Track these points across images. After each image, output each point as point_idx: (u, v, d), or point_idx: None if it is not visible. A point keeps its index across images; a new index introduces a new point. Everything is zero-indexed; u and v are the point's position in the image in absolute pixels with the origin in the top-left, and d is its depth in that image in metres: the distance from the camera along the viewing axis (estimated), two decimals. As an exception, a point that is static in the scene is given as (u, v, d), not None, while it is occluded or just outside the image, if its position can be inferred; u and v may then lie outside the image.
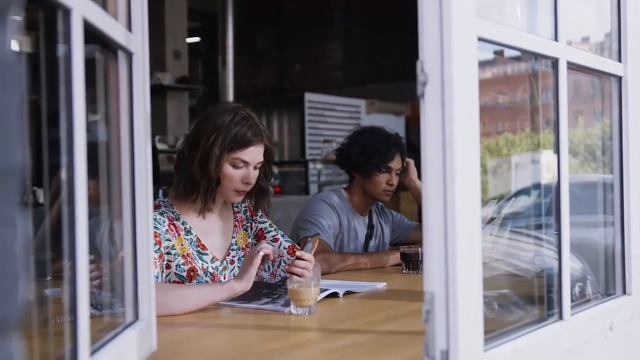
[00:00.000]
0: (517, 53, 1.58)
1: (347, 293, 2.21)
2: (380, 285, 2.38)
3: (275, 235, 2.41)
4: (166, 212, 2.21)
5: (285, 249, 2.37)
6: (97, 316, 1.34)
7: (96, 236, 1.30)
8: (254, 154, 2.22)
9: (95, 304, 1.31)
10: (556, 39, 1.52)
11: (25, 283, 0.57)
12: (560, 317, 1.52)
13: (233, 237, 2.36)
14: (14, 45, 0.57)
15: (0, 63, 0.55)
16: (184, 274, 2.17)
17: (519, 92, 2.02)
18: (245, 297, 2.04)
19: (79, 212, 1.01)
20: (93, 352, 1.09)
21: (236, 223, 2.39)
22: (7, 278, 0.54)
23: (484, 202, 1.29)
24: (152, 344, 1.42)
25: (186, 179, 2.21)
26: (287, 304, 1.93)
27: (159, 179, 5.42)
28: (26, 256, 0.57)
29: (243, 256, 2.35)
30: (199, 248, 2.24)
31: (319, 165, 7.60)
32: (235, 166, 2.20)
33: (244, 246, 2.38)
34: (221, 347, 1.65)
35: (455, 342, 1.16)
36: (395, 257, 2.85)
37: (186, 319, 1.90)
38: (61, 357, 1.01)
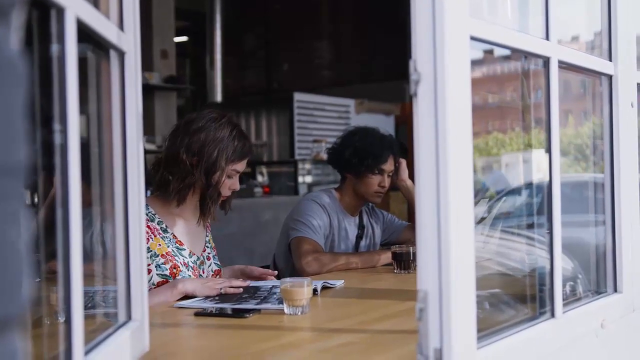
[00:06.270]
0: (506, 52, 1.59)
1: (324, 287, 2.26)
2: (339, 283, 2.39)
3: (212, 253, 2.52)
4: None
5: (212, 271, 2.46)
6: (90, 316, 1.34)
7: (87, 237, 1.30)
8: (245, 164, 2.39)
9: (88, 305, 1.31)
10: (547, 38, 1.53)
11: (29, 280, 0.57)
12: (552, 315, 1.53)
13: (207, 236, 2.49)
14: (17, 45, 0.57)
15: (4, 62, 0.55)
16: (167, 272, 2.25)
17: (509, 92, 2.03)
18: (234, 300, 2.04)
19: (72, 213, 1.00)
20: (86, 353, 1.09)
21: (207, 224, 2.51)
22: (12, 276, 0.54)
23: (475, 202, 1.30)
24: (144, 344, 1.42)
25: (188, 186, 2.29)
26: (282, 301, 1.93)
27: (147, 180, 5.42)
28: (29, 253, 0.57)
29: (215, 255, 2.49)
30: (177, 244, 2.32)
31: (308, 165, 7.59)
32: (229, 176, 2.34)
33: (214, 246, 2.53)
34: (214, 347, 1.65)
35: (448, 340, 1.17)
36: (386, 257, 2.85)
37: (179, 320, 1.89)
38: (55, 357, 1.01)
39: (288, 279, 1.98)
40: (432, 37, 1.17)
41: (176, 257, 2.28)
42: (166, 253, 2.26)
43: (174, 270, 2.25)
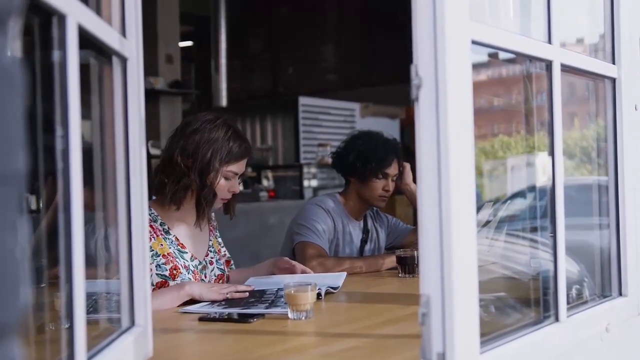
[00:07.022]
0: (511, 55, 1.58)
1: (328, 293, 2.25)
2: (342, 276, 2.42)
3: (223, 252, 2.54)
4: None
5: (215, 276, 2.46)
6: (93, 321, 1.34)
7: (91, 243, 1.30)
8: (243, 166, 2.38)
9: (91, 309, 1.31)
10: (550, 41, 1.53)
11: (26, 288, 0.57)
12: (557, 319, 1.53)
13: (210, 240, 2.48)
14: (15, 52, 0.58)
15: (1, 70, 0.55)
16: (167, 272, 2.25)
17: (514, 95, 2.02)
18: (242, 305, 2.04)
19: (74, 218, 1.00)
20: (89, 358, 1.09)
21: (211, 228, 2.51)
22: (9, 282, 0.54)
23: (480, 205, 1.29)
24: (148, 349, 1.42)
25: (183, 188, 2.29)
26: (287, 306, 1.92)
27: (150, 184, 5.43)
28: (27, 261, 0.57)
29: (218, 259, 2.48)
30: (178, 247, 2.33)
31: (313, 169, 7.58)
32: (226, 178, 2.33)
33: (218, 250, 2.51)
34: (217, 352, 1.65)
35: (451, 344, 1.16)
36: (390, 261, 2.84)
37: (182, 325, 1.89)
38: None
39: (292, 284, 1.98)
40: (433, 42, 1.17)
41: (177, 259, 2.28)
42: (167, 254, 2.27)
43: (174, 272, 2.25)
